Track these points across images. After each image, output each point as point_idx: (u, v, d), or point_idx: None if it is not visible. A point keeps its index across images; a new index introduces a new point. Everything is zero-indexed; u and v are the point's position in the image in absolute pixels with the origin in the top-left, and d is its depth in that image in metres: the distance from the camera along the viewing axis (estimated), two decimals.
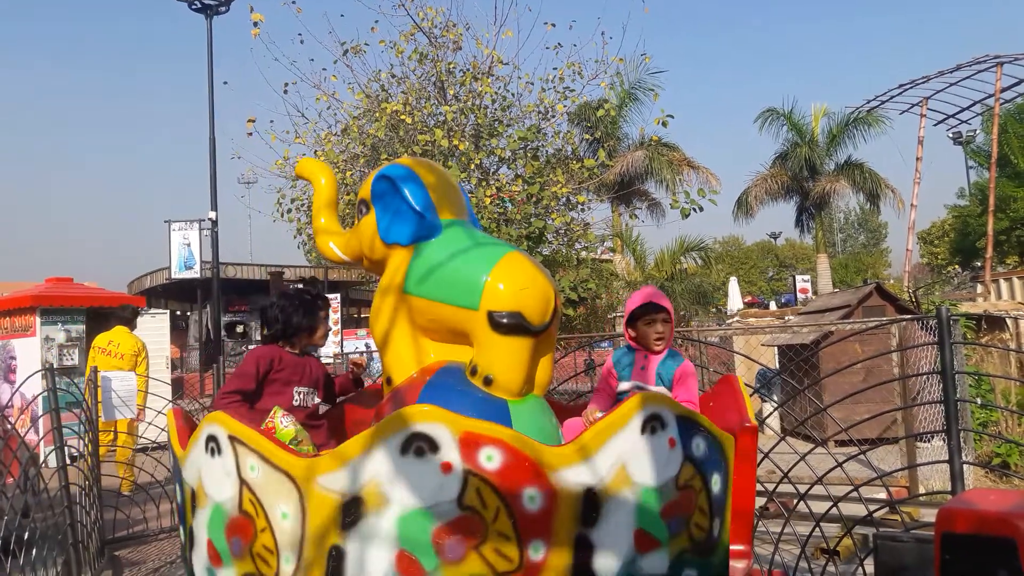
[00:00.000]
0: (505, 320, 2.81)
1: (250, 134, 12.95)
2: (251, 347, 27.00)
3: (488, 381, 2.84)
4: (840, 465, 4.28)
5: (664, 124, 12.92)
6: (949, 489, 4.51)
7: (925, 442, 7.36)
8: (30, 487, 5.13)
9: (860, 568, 3.94)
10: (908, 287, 16.16)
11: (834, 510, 4.14)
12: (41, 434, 8.25)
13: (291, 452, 2.62)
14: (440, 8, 12.73)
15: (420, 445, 2.33)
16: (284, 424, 3.11)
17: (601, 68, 13.23)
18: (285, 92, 13.13)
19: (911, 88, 17.13)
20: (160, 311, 14.34)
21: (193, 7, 18.86)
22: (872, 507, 4.39)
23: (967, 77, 16.28)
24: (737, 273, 43.28)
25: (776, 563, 4.29)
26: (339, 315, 20.93)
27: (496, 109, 12.91)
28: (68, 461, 5.13)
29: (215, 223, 19.05)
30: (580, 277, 13.06)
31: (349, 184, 11.71)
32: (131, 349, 8.08)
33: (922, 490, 6.43)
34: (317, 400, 3.57)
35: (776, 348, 11.01)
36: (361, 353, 15.58)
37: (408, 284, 3.07)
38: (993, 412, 8.23)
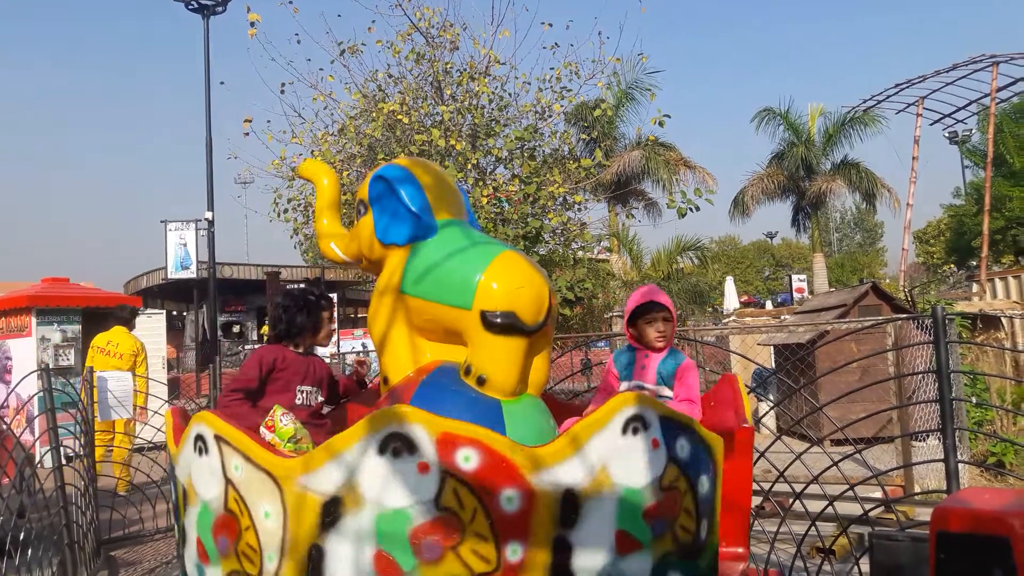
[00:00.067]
0: (498, 320, 2.81)
1: (247, 134, 12.96)
2: (247, 347, 26.99)
3: (481, 381, 2.84)
4: (836, 464, 4.29)
5: (661, 124, 12.94)
6: (944, 488, 4.52)
7: (920, 441, 7.37)
8: (26, 487, 5.12)
9: (856, 567, 3.94)
10: (904, 286, 16.19)
11: (830, 509, 4.15)
12: (37, 434, 8.24)
13: (273, 452, 2.63)
14: (437, 8, 12.76)
15: (397, 446, 2.35)
16: (283, 422, 3.14)
17: (598, 68, 13.25)
18: (282, 92, 13.14)
19: (907, 88, 17.17)
20: (156, 311, 14.32)
21: (190, 7, 18.81)
22: (867, 506, 4.39)
23: (963, 77, 16.33)
24: (733, 273, 43.34)
25: (772, 562, 4.29)
26: (336, 315, 20.92)
27: (493, 109, 12.91)
28: (64, 461, 5.12)
29: (211, 223, 19.01)
30: (577, 277, 13.07)
31: (346, 184, 11.70)
32: (130, 349, 8.10)
33: (917, 489, 6.44)
34: (320, 399, 3.60)
35: (772, 347, 11.02)
36: (358, 353, 15.57)
37: (404, 284, 3.07)
38: (988, 411, 8.25)
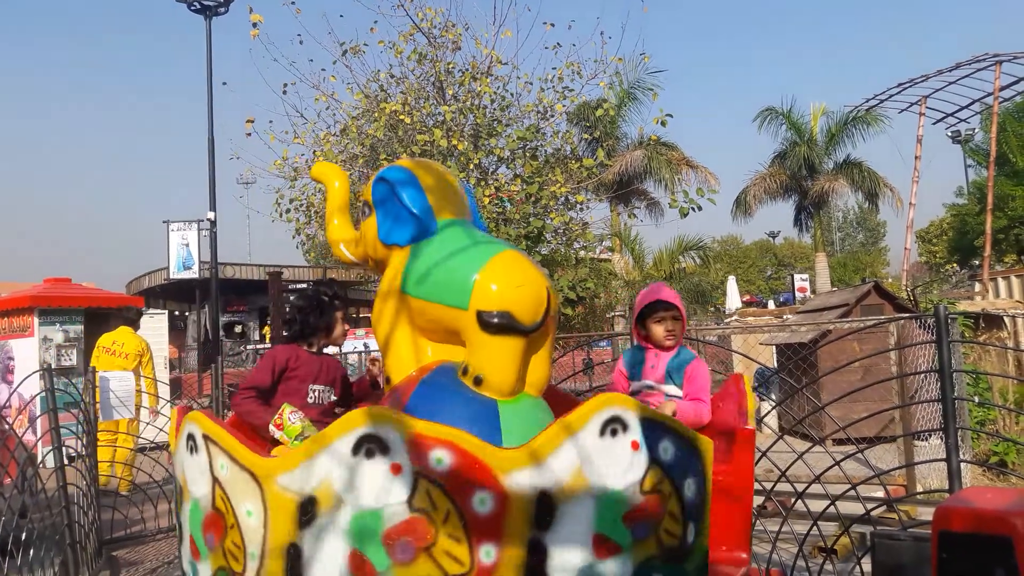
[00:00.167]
0: (495, 320, 2.78)
1: (249, 134, 12.97)
2: (249, 347, 26.98)
3: (478, 381, 2.82)
4: (838, 464, 4.29)
5: (663, 123, 12.95)
6: (946, 488, 4.51)
7: (923, 440, 7.36)
8: (28, 487, 5.13)
9: (857, 566, 3.94)
10: (906, 286, 16.18)
11: (832, 509, 4.14)
12: (39, 434, 8.25)
13: (255, 452, 2.64)
14: (439, 8, 12.77)
15: (371, 447, 2.36)
16: (291, 420, 3.21)
17: (600, 68, 13.26)
18: (284, 93, 13.16)
19: (910, 87, 17.12)
20: (158, 311, 14.33)
21: (192, 8, 18.85)
22: (870, 506, 4.38)
23: (966, 76, 16.28)
24: (736, 272, 43.30)
25: (774, 562, 4.29)
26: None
27: (495, 109, 12.91)
28: (66, 461, 5.13)
29: (214, 223, 19.03)
30: (579, 276, 13.06)
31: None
32: (135, 349, 8.17)
33: (919, 488, 6.43)
34: (333, 398, 3.64)
35: (774, 347, 11.02)
36: (360, 353, 15.58)
37: (406, 285, 3.07)
38: (991, 410, 8.23)
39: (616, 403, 2.53)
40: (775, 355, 11.11)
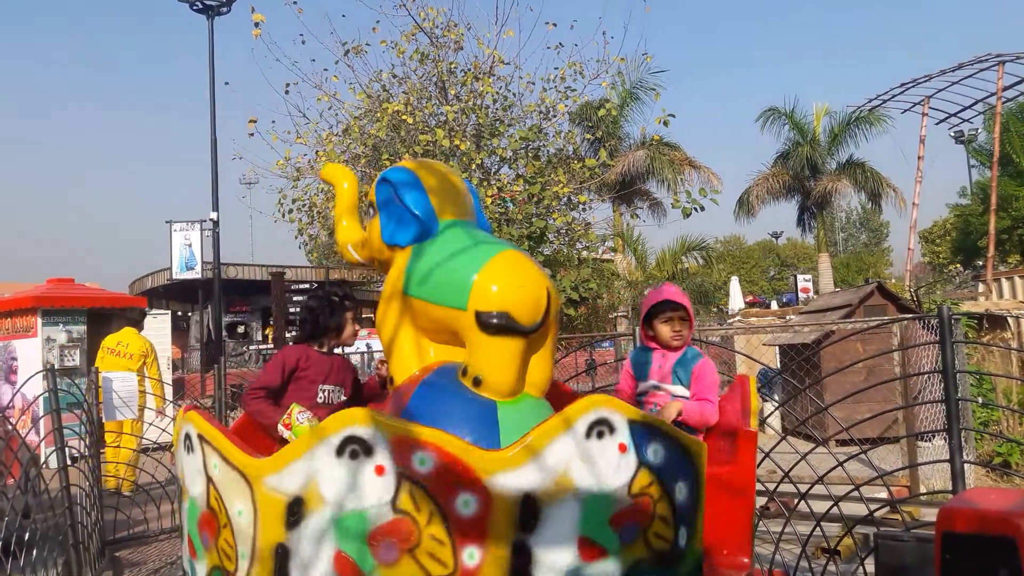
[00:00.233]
0: (493, 320, 2.77)
1: (251, 135, 12.97)
2: (251, 347, 27.01)
3: (477, 382, 2.80)
4: (841, 464, 4.28)
5: (665, 123, 12.93)
6: (950, 488, 4.51)
7: (926, 441, 7.35)
8: (31, 488, 5.14)
9: (861, 567, 3.93)
10: (909, 286, 16.14)
11: (835, 509, 4.13)
12: (42, 435, 8.26)
13: (245, 452, 2.65)
14: (441, 8, 12.79)
15: (355, 448, 2.36)
16: (300, 420, 3.25)
17: (602, 68, 13.23)
18: (286, 93, 13.14)
19: (913, 87, 17.12)
20: (161, 311, 14.36)
21: (195, 8, 18.88)
22: (873, 506, 4.38)
23: (969, 76, 16.27)
24: (738, 272, 43.27)
25: (777, 563, 4.29)
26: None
27: (497, 109, 12.91)
28: (69, 462, 5.14)
29: (216, 223, 19.06)
30: (581, 277, 13.07)
31: None
32: (139, 349, 8.20)
33: (923, 489, 6.43)
34: (343, 398, 3.66)
35: (777, 347, 11.01)
36: (362, 354, 15.60)
37: (407, 286, 3.07)
38: (994, 411, 8.22)
39: (602, 405, 2.51)
40: (778, 356, 11.10)
